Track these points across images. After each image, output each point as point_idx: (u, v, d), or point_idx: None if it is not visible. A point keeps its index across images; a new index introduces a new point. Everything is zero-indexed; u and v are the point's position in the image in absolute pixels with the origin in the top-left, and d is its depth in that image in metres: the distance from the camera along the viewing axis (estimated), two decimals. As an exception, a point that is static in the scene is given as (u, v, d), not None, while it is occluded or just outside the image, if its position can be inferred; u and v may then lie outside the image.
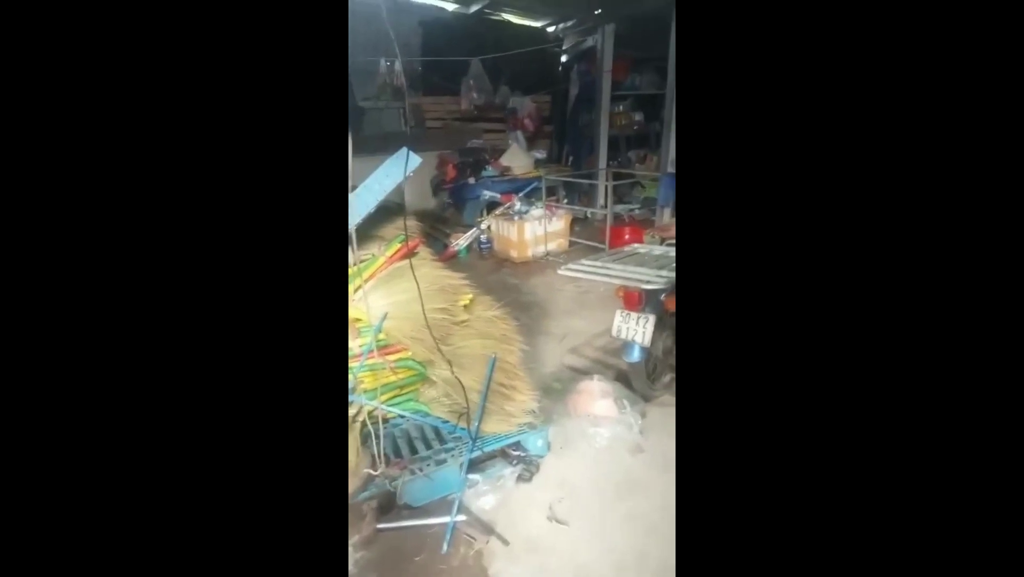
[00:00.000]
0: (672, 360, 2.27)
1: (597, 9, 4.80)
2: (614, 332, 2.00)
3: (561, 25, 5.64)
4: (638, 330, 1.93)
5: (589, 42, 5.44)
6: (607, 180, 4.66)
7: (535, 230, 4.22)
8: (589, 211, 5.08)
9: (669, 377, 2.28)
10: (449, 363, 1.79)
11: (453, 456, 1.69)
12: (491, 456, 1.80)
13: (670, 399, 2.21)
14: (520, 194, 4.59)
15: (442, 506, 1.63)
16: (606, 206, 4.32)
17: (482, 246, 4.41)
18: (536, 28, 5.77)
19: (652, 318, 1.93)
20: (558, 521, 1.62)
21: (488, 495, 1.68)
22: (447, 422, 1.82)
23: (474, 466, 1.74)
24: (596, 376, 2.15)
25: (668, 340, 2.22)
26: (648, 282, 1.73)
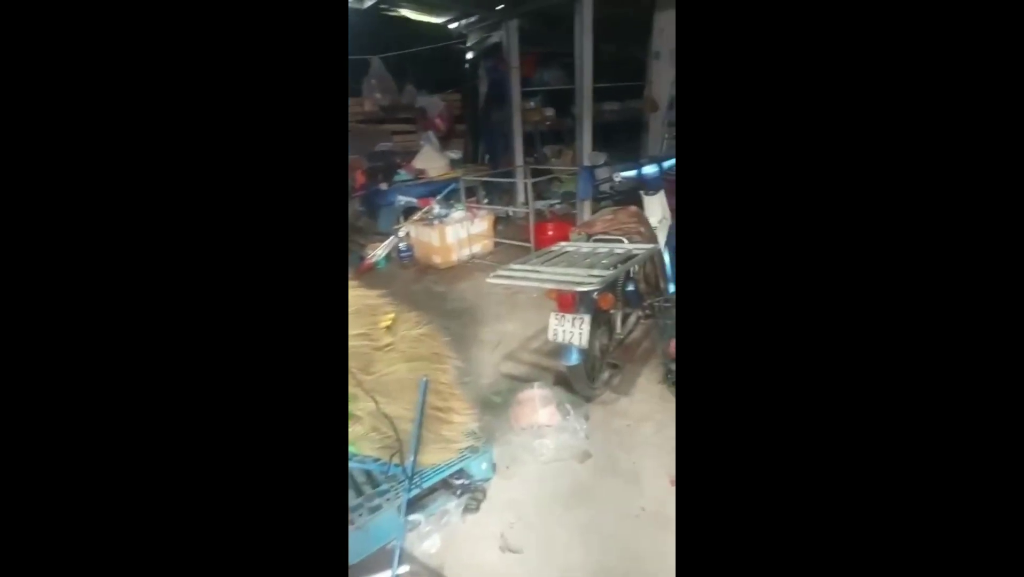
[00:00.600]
0: (610, 358, 2.23)
1: (499, 4, 4.72)
2: (550, 336, 1.91)
3: (463, 21, 5.50)
4: (574, 332, 1.86)
5: (494, 38, 5.36)
6: (526, 177, 4.61)
7: (458, 233, 4.06)
8: (511, 210, 5.01)
9: (608, 374, 2.25)
10: (372, 395, 1.58)
11: (389, 500, 1.50)
12: (432, 490, 1.63)
13: (611, 396, 2.18)
14: (438, 197, 4.40)
15: (381, 558, 1.43)
16: (527, 203, 4.27)
17: (402, 255, 4.17)
18: (437, 24, 5.58)
19: (587, 318, 1.87)
20: (511, 550, 1.50)
21: (433, 535, 1.52)
22: (378, 461, 1.61)
23: (414, 505, 1.56)
24: (536, 383, 2.06)
25: (604, 338, 2.18)
26: (581, 284, 1.65)
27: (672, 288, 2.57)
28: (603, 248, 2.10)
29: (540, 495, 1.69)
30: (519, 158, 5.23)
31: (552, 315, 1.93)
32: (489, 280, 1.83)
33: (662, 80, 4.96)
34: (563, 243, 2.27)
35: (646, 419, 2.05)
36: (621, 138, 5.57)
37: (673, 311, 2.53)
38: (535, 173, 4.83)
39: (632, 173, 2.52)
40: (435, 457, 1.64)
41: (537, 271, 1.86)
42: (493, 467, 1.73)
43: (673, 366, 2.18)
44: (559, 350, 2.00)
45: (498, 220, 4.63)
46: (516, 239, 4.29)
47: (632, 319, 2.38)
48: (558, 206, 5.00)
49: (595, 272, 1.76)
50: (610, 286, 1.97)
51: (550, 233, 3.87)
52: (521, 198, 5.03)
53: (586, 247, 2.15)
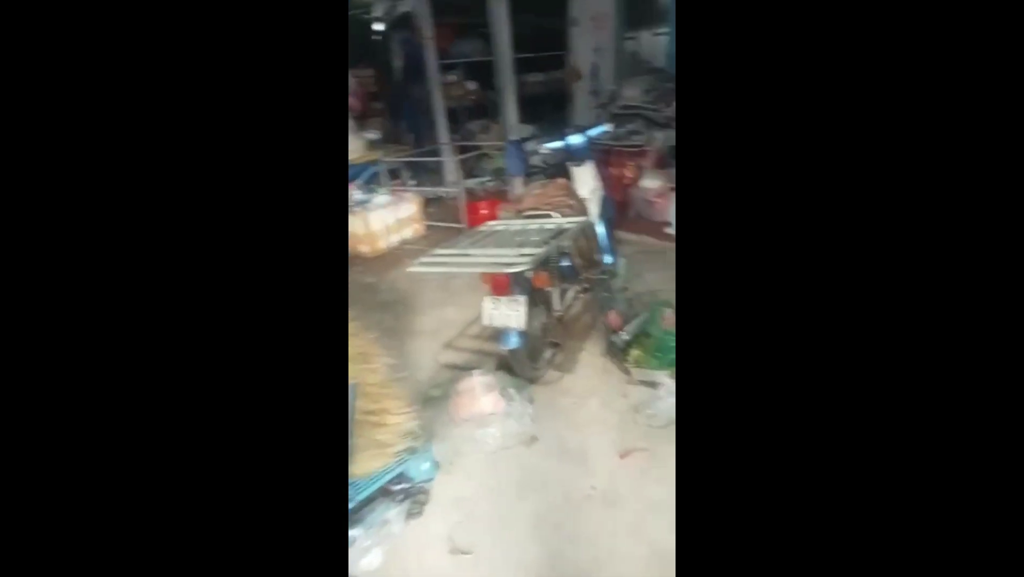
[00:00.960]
0: (551, 337, 2.18)
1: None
2: (485, 321, 1.82)
3: (369, -12, 5.09)
4: (510, 315, 1.77)
5: (403, 6, 5.01)
6: (453, 155, 4.41)
7: (384, 219, 3.82)
8: (442, 190, 4.80)
9: (550, 353, 2.20)
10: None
11: (321, 518, 1.35)
12: (370, 501, 1.50)
13: (555, 375, 2.14)
14: (358, 181, 4.11)
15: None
16: (457, 183, 4.09)
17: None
18: (342, -8, 5.11)
19: (523, 299, 1.79)
20: (462, 551, 1.42)
21: (373, 550, 1.40)
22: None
23: (350, 520, 1.42)
24: (476, 371, 1.96)
25: (543, 316, 2.12)
26: (512, 264, 1.56)
27: (608, 259, 2.56)
28: (533, 225, 2.02)
29: (488, 487, 1.62)
30: (444, 135, 4.99)
31: (486, 299, 1.83)
32: (410, 270, 1.69)
33: (583, 48, 4.90)
34: (492, 222, 2.16)
35: (591, 394, 2.03)
36: (548, 109, 5.47)
37: (610, 283, 2.52)
38: (462, 150, 4.64)
39: (558, 144, 2.44)
40: (370, 465, 1.51)
41: (465, 254, 1.74)
42: (436, 466, 1.63)
43: (614, 338, 2.16)
44: (498, 334, 1.91)
45: (428, 202, 4.42)
46: (448, 220, 4.12)
47: (570, 294, 2.33)
48: (490, 183, 4.86)
49: (525, 251, 1.67)
50: (543, 263, 1.90)
51: (483, 212, 3.74)
52: (450, 177, 4.82)
53: (516, 225, 2.06)
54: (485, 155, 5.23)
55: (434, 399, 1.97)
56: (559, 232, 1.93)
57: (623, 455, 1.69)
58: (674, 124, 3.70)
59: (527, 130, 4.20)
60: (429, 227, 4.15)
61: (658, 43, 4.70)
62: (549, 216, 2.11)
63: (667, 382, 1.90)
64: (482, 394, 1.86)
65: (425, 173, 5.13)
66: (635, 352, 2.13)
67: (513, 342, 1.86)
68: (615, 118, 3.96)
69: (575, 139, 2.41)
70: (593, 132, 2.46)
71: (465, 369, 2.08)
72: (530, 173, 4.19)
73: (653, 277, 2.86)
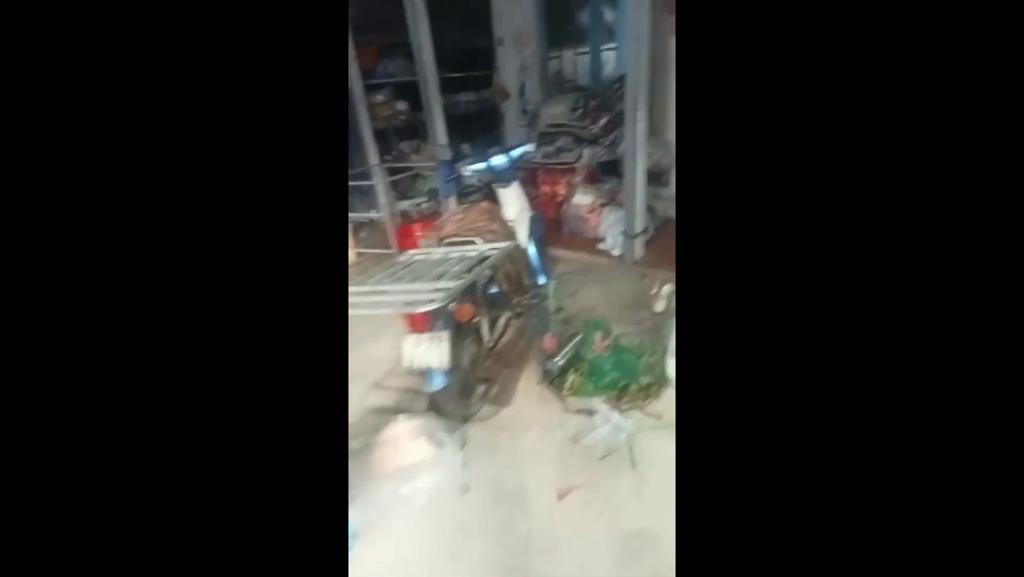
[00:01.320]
0: (481, 371, 2.06)
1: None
2: (405, 364, 1.67)
3: (286, 8, 4.85)
4: (432, 354, 1.64)
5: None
6: (383, 177, 4.24)
7: (309, 249, 3.57)
8: (373, 214, 4.60)
9: (484, 387, 2.08)
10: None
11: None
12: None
13: (490, 410, 2.02)
14: (280, 210, 3.83)
15: None
16: (386, 206, 3.92)
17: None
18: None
19: (445, 335, 1.66)
20: (384, 634, 1.25)
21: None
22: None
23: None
24: (402, 416, 1.81)
25: (472, 348, 2.00)
26: (425, 302, 1.43)
27: (542, 279, 2.48)
28: (455, 253, 1.90)
29: (415, 550, 1.46)
30: (374, 157, 4.81)
31: (406, 338, 1.69)
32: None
33: (509, 67, 4.91)
34: (412, 252, 2.03)
35: (529, 426, 1.92)
36: (480, 129, 5.43)
37: (543, 305, 2.44)
38: (393, 172, 4.48)
39: (481, 166, 2.36)
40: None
41: (377, 292, 1.60)
42: (353, 535, 1.45)
43: (550, 365, 2.08)
44: (421, 378, 1.77)
45: (359, 227, 4.21)
46: (382, 246, 3.94)
47: (502, 322, 2.23)
48: (425, 205, 4.71)
49: (442, 284, 1.56)
50: (467, 294, 1.79)
51: (418, 235, 3.59)
52: (382, 200, 4.64)
53: (437, 254, 1.94)
54: (419, 176, 5.09)
55: (353, 453, 1.79)
56: (482, 260, 1.83)
57: (561, 496, 1.59)
58: (600, 141, 3.74)
59: (446, 151, 4.10)
60: (360, 254, 3.95)
61: (580, 62, 4.79)
62: (472, 243, 2.01)
63: (603, 409, 1.83)
64: (408, 442, 1.71)
65: (356, 197, 4.91)
66: (572, 377, 2.05)
67: (438, 382, 1.72)
68: (543, 136, 3.96)
69: (498, 160, 2.34)
70: (515, 153, 2.40)
71: (392, 412, 1.92)
72: (465, 192, 4.09)
73: (587, 295, 2.82)
